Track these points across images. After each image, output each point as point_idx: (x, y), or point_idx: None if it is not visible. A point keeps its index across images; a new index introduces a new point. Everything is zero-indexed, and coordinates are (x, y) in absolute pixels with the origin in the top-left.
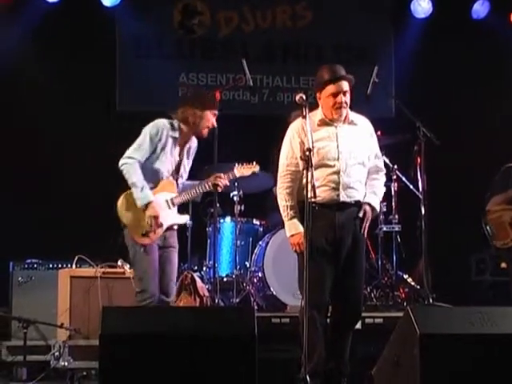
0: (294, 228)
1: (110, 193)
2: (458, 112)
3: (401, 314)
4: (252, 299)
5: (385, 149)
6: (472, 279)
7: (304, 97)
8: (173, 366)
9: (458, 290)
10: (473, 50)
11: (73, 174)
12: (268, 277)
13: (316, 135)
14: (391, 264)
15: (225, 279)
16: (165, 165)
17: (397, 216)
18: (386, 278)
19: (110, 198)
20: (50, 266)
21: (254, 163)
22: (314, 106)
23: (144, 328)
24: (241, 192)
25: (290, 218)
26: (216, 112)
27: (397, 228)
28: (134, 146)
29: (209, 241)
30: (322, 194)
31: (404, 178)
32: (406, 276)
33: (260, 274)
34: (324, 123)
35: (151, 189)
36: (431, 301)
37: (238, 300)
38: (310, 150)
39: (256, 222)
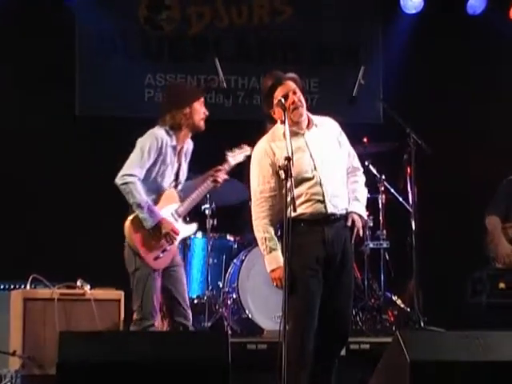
0: (275, 262)
1: (67, 206)
2: (453, 117)
3: (389, 340)
4: (225, 323)
5: (371, 157)
6: (467, 301)
7: (283, 100)
8: None
9: (451, 313)
10: (469, 48)
11: (27, 186)
12: (243, 298)
13: (286, 149)
14: (378, 284)
15: (195, 301)
16: (166, 178)
17: (384, 231)
18: (372, 300)
19: (68, 212)
20: (2, 286)
21: (244, 145)
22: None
23: (106, 355)
24: (213, 204)
25: (270, 251)
26: (202, 98)
27: (385, 245)
28: (133, 160)
29: None
30: (308, 210)
31: (392, 190)
32: (394, 297)
33: (234, 296)
34: (290, 134)
35: (155, 204)
36: (422, 325)
37: (210, 324)
38: (289, 158)
39: (230, 237)
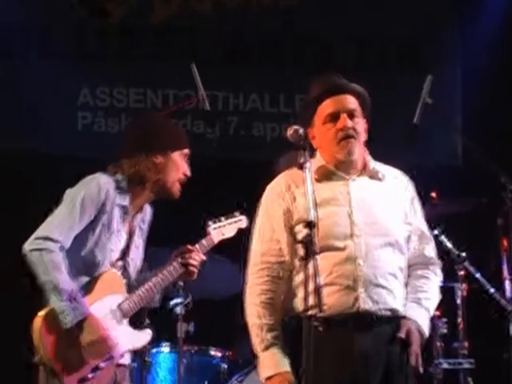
0: (273, 365)
1: None
2: None
3: None
4: None
5: (444, 221)
6: None
7: (301, 130)
8: None
9: None
10: None
11: None
12: None
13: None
14: None
15: None
16: (106, 251)
17: (466, 343)
18: None
19: None
20: None
21: (240, 214)
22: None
23: None
24: (189, 298)
25: (267, 348)
26: (187, 150)
27: (467, 364)
28: (56, 217)
29: None
30: (329, 300)
31: (478, 275)
32: None
33: None
34: (326, 175)
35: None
36: None
37: None
38: (311, 224)
39: (215, 352)
